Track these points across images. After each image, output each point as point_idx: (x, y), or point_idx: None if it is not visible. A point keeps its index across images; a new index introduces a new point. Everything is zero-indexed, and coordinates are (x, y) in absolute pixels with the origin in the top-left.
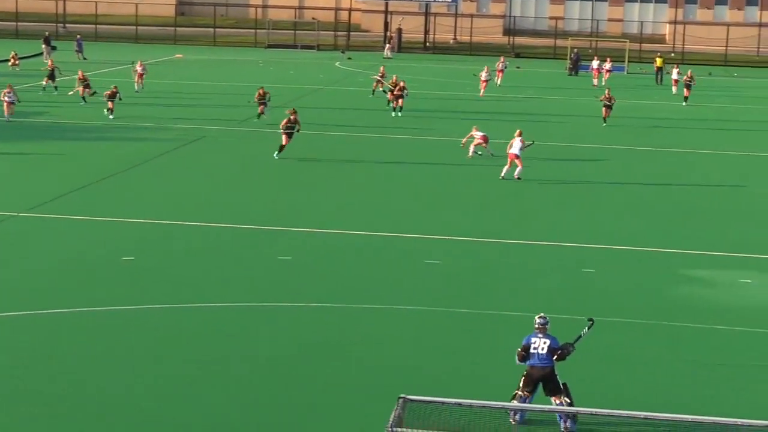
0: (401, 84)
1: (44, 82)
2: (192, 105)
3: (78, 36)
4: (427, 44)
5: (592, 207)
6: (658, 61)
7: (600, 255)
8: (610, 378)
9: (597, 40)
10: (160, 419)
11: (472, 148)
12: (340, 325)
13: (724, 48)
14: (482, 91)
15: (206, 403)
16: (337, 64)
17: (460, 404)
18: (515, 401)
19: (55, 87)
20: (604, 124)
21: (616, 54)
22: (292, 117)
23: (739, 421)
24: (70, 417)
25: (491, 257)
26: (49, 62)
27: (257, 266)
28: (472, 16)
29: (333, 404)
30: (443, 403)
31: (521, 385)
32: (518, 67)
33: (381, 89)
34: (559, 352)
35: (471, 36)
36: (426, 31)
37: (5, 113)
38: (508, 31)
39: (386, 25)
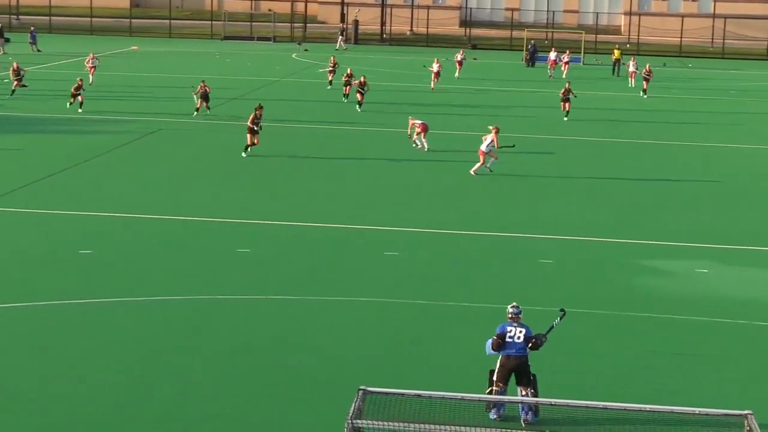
0: (362, 79)
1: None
2: (148, 97)
3: (32, 28)
4: (384, 36)
5: (549, 198)
6: (616, 53)
7: (557, 246)
8: (569, 368)
9: (553, 32)
10: (115, 412)
11: (415, 137)
12: (300, 317)
13: (679, 39)
14: (433, 83)
15: (163, 396)
16: (293, 55)
17: (419, 395)
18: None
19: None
20: (565, 119)
21: (572, 45)
22: (259, 113)
23: (696, 410)
24: (26, 410)
25: (449, 249)
26: (15, 64)
27: (215, 259)
28: (428, 7)
29: (293, 396)
30: (403, 394)
31: (495, 378)
32: (475, 59)
33: (343, 83)
34: (534, 340)
35: (427, 27)
36: (382, 23)
37: None
38: (465, 23)
39: (343, 16)
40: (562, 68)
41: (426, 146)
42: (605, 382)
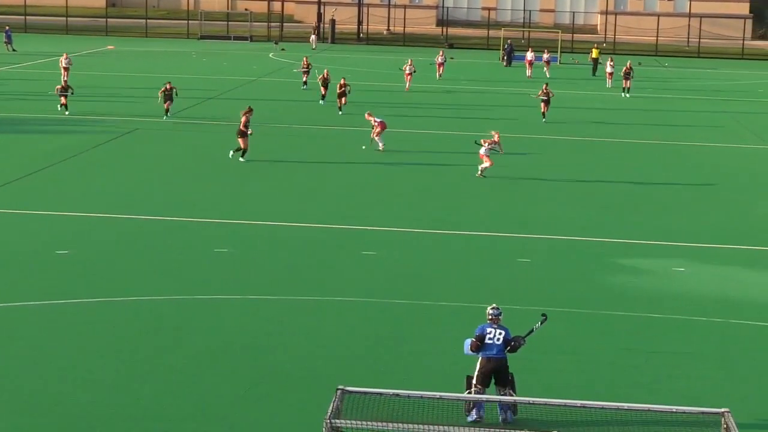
0: (341, 81)
1: None
2: (124, 97)
3: (7, 27)
4: (361, 35)
5: (527, 197)
6: (594, 53)
7: (534, 245)
8: (547, 367)
9: (530, 31)
10: (94, 413)
11: (373, 135)
12: (278, 317)
13: (655, 38)
14: (408, 84)
15: (141, 396)
16: (270, 55)
17: (397, 395)
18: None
19: None
20: (543, 120)
21: (548, 45)
22: (249, 116)
23: (674, 408)
24: (3, 408)
25: (427, 248)
26: None
27: (193, 259)
28: (405, 6)
29: (271, 396)
30: (381, 394)
31: (475, 381)
32: (452, 58)
33: (319, 83)
34: (512, 343)
35: (404, 27)
36: (359, 22)
37: None
38: (441, 22)
39: (319, 16)
40: (544, 68)
41: (381, 146)
42: (583, 381)
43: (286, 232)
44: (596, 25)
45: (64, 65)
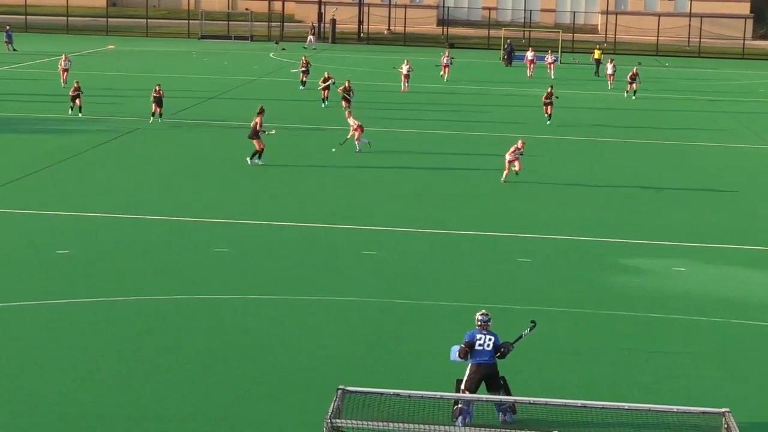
0: (346, 84)
1: None
2: (125, 97)
3: (7, 27)
4: (362, 35)
5: (527, 197)
6: (597, 53)
7: (535, 245)
8: (548, 367)
9: (530, 31)
10: (93, 413)
11: (354, 136)
12: (278, 316)
13: (656, 38)
14: (403, 85)
15: (141, 396)
16: (271, 55)
17: (398, 395)
18: (459, 406)
19: None
20: (548, 122)
21: (549, 45)
22: (263, 116)
23: (675, 408)
24: (2, 409)
25: (427, 247)
26: None
27: (193, 259)
28: (406, 6)
29: (271, 396)
30: (381, 394)
31: (464, 387)
32: (453, 58)
33: (319, 87)
34: (502, 350)
35: (405, 27)
36: (360, 22)
37: None
38: (442, 22)
39: (320, 15)
40: (548, 69)
41: (359, 148)
42: (584, 381)
43: (287, 232)
44: (597, 24)
45: (63, 67)
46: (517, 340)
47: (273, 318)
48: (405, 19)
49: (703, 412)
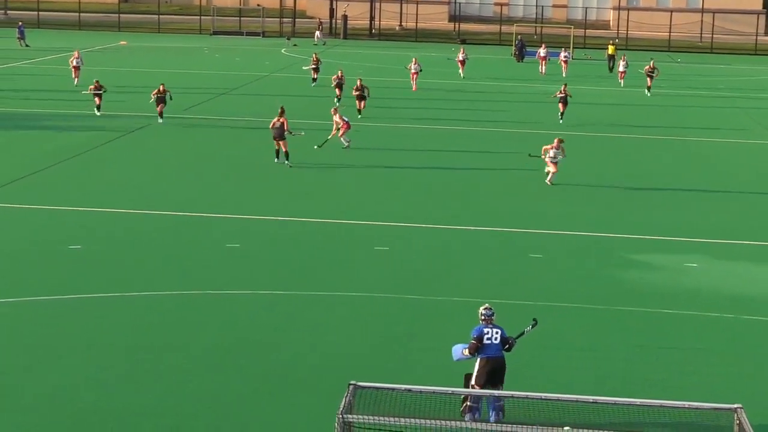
0: (358, 83)
1: None
2: (136, 93)
3: (20, 23)
4: (373, 31)
5: (539, 194)
6: (611, 49)
7: (547, 241)
8: (559, 363)
9: (542, 26)
10: (104, 408)
11: (340, 135)
12: (290, 312)
13: (668, 34)
14: (414, 84)
15: (152, 391)
16: (283, 50)
17: (410, 390)
18: (468, 403)
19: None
20: (560, 121)
21: (561, 41)
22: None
23: (686, 404)
24: (11, 406)
25: (440, 243)
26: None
27: (204, 254)
28: (417, 2)
29: (283, 391)
30: (393, 389)
31: (474, 382)
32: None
33: (333, 84)
34: (509, 343)
35: (416, 22)
36: (371, 18)
37: None
38: (454, 18)
39: (332, 11)
40: (562, 68)
41: (346, 143)
42: (595, 377)
43: (299, 228)
44: (609, 20)
45: (74, 64)
46: (519, 336)
47: (284, 314)
48: (417, 14)
49: (715, 409)
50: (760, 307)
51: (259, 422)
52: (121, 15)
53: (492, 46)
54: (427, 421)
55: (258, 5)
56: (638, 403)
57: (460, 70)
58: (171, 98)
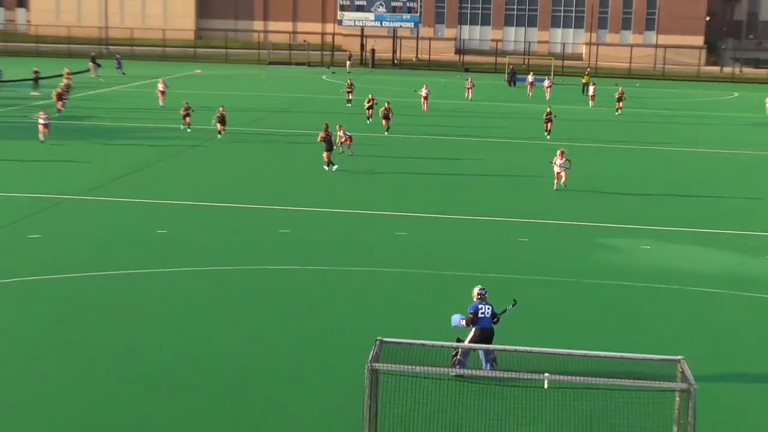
0: (386, 105)
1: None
2: (209, 110)
3: (117, 55)
4: (395, 61)
5: (526, 191)
6: (585, 78)
7: (531, 228)
8: (541, 324)
9: (529, 58)
10: (181, 361)
11: (339, 145)
12: (330, 282)
13: (628, 64)
14: (424, 106)
15: (224, 344)
16: (323, 77)
17: (423, 344)
18: (458, 357)
19: (58, 110)
20: (548, 137)
21: (544, 69)
22: (329, 132)
23: (640, 356)
24: (111, 361)
25: (447, 229)
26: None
27: (263, 237)
28: (430, 38)
29: (324, 346)
30: (411, 344)
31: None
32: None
33: (365, 107)
34: (498, 316)
35: (429, 54)
36: (394, 51)
37: (40, 135)
38: (459, 51)
39: (362, 46)
40: (545, 92)
41: (352, 152)
42: (568, 335)
43: (337, 217)
44: (582, 53)
45: (160, 89)
46: (502, 312)
47: (325, 284)
48: (429, 48)
49: (663, 360)
50: (699, 281)
51: (310, 365)
52: (196, 49)
53: (489, 74)
54: (438, 369)
55: (304, 41)
56: (602, 356)
57: (468, 95)
58: (225, 121)
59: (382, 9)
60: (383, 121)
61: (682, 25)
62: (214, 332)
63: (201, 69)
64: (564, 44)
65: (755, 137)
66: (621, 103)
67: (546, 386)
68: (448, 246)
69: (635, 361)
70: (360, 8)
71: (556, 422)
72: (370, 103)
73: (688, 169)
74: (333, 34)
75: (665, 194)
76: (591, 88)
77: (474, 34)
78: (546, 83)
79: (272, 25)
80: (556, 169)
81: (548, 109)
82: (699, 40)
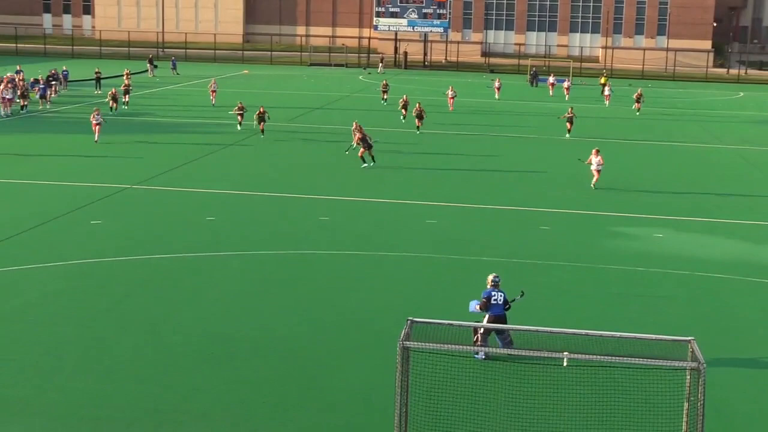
0: (417, 106)
1: (125, 98)
2: (254, 107)
3: (173, 57)
4: (426, 63)
5: (547, 183)
6: (603, 79)
7: (552, 217)
8: (559, 306)
9: (549, 60)
10: (230, 337)
11: (355, 143)
12: (364, 266)
13: (641, 66)
14: (451, 106)
15: (267, 324)
16: (360, 77)
17: (451, 325)
18: (478, 335)
19: (125, 103)
20: (567, 135)
21: (563, 71)
22: (360, 131)
23: (653, 336)
24: (169, 334)
25: (474, 218)
26: (126, 81)
27: (304, 224)
28: (458, 42)
29: (360, 325)
30: (439, 323)
31: (481, 331)
32: (492, 80)
33: (399, 106)
34: (509, 303)
35: (458, 57)
36: (425, 54)
37: (95, 135)
38: (485, 53)
39: (395, 49)
40: (565, 93)
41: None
42: (585, 316)
43: (371, 206)
44: (598, 56)
45: (212, 89)
46: (513, 300)
47: (360, 267)
48: (458, 51)
49: (674, 340)
50: (709, 267)
51: (347, 342)
52: (244, 52)
53: (512, 74)
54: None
55: (343, 44)
56: (617, 336)
57: (496, 95)
58: (269, 118)
59: (414, 15)
60: (416, 121)
61: (691, 30)
62: (258, 311)
63: (248, 70)
64: (582, 48)
65: (760, 134)
66: (639, 104)
67: (565, 364)
68: (475, 233)
69: (648, 341)
70: (394, 14)
71: (573, 397)
72: (404, 103)
73: (697, 163)
74: (369, 38)
75: (676, 186)
76: (606, 88)
77: (498, 38)
78: (566, 84)
79: (313, 30)
80: (593, 167)
81: (569, 109)
82: (707, 44)
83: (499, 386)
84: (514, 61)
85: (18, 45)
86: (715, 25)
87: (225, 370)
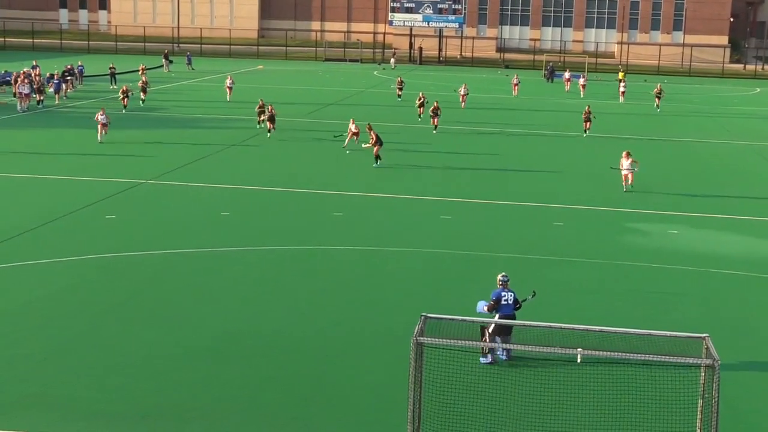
0: (435, 104)
1: (142, 95)
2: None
3: (188, 53)
4: (441, 59)
5: (560, 179)
6: (620, 75)
7: (566, 213)
8: (573, 303)
9: (565, 56)
10: (244, 331)
11: (347, 141)
12: (377, 261)
13: (657, 62)
14: (462, 104)
15: (281, 318)
16: (375, 73)
17: (464, 320)
18: (487, 336)
19: (142, 101)
20: (584, 134)
21: (578, 66)
22: (372, 133)
23: (668, 333)
24: (183, 329)
25: (489, 214)
26: (143, 78)
27: (318, 219)
28: (473, 38)
29: (374, 319)
30: (453, 319)
31: (491, 332)
32: (507, 75)
33: (416, 105)
34: (519, 303)
35: (472, 52)
36: (440, 49)
37: (99, 135)
38: (500, 49)
39: (411, 44)
40: (580, 90)
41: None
42: (600, 313)
43: (385, 202)
44: (614, 51)
45: (228, 85)
46: (523, 300)
47: (373, 262)
48: (473, 46)
49: (689, 337)
50: (722, 263)
51: (361, 336)
52: (259, 47)
53: (527, 70)
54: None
55: (357, 40)
56: (632, 332)
57: (514, 91)
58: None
59: (429, 11)
60: (432, 119)
61: (708, 26)
62: (272, 305)
63: (263, 65)
64: (597, 43)
65: None
66: (659, 100)
67: (579, 360)
68: (489, 229)
69: (663, 338)
70: (409, 10)
71: (587, 394)
72: (421, 101)
73: (712, 159)
74: (384, 34)
75: (691, 182)
76: (621, 85)
77: (514, 33)
78: (581, 81)
79: (328, 25)
80: (624, 171)
81: (587, 108)
82: (723, 39)
83: (512, 383)
84: (529, 57)
85: (34, 40)
86: (731, 20)
87: (237, 366)
